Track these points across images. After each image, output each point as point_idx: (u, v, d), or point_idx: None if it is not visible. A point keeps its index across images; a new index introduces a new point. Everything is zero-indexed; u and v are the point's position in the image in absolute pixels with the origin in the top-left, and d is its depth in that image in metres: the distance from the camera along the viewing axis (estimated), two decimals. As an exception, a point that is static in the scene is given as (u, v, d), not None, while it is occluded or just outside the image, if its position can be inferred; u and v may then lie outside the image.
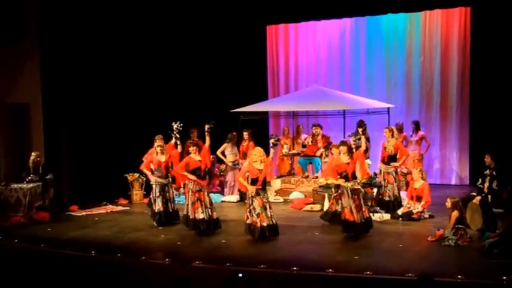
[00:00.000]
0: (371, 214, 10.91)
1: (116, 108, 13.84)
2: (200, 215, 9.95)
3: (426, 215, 10.83)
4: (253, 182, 9.53)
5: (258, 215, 9.44)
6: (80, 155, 13.27)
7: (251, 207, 9.51)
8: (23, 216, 11.29)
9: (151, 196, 11.05)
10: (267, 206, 9.55)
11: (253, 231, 9.49)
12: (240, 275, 6.21)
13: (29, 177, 11.73)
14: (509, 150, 11.79)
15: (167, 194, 11.00)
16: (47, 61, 12.90)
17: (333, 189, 10.60)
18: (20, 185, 11.53)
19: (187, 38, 15.21)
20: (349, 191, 9.56)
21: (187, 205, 10.06)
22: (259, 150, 9.74)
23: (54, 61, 12.90)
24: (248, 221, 9.58)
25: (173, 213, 11.03)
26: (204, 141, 10.75)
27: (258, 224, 9.43)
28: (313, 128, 13.70)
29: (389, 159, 11.51)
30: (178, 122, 11.18)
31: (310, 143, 13.62)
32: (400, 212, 10.90)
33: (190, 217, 9.99)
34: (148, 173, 11.05)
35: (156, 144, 11.08)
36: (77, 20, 13.06)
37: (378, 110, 13.56)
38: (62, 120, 13.07)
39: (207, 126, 10.53)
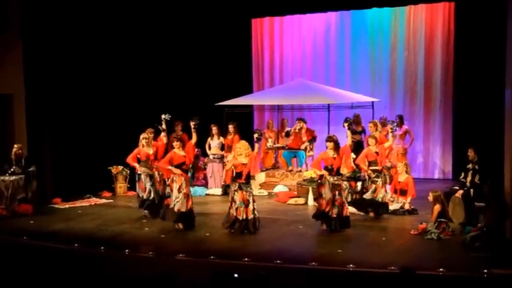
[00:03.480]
0: (354, 208, 11.03)
1: (100, 100, 13.74)
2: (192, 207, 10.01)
3: (406, 206, 10.92)
4: (238, 175, 9.55)
5: (237, 209, 9.50)
6: (64, 147, 13.17)
7: (232, 200, 9.56)
8: (5, 208, 11.20)
9: (145, 187, 10.97)
10: (250, 201, 9.57)
11: (228, 222, 9.60)
12: (236, 275, 6.23)
13: (11, 169, 11.62)
14: (492, 144, 11.88)
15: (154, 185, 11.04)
16: (30, 52, 12.77)
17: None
18: (2, 177, 11.41)
19: (172, 31, 15.11)
20: (330, 183, 9.61)
21: (179, 200, 9.86)
22: (244, 144, 9.76)
23: (37, 52, 12.78)
24: (228, 213, 9.65)
25: (158, 204, 11.06)
26: (188, 135, 10.74)
27: (233, 216, 9.52)
28: (297, 122, 13.75)
29: (373, 152, 11.56)
30: (167, 114, 11.18)
31: (296, 130, 13.63)
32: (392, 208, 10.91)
33: (182, 210, 9.87)
34: (136, 165, 11.00)
35: (141, 136, 11.06)
36: (59, 11, 12.93)
37: (362, 104, 13.62)
38: (45, 111, 12.96)
39: (192, 123, 10.53)
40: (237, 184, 9.53)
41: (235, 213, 9.53)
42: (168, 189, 11.04)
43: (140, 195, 11.04)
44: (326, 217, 9.65)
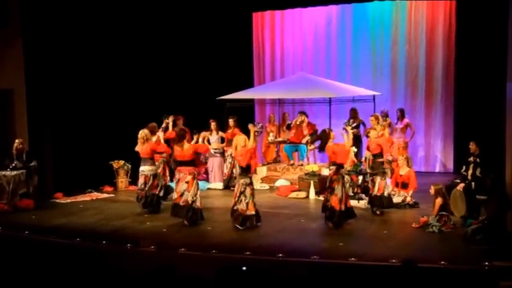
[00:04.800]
0: (356, 201, 11.01)
1: (101, 94, 13.75)
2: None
3: (408, 200, 10.91)
4: (243, 170, 9.59)
5: (248, 203, 9.49)
6: (65, 142, 13.18)
7: (242, 195, 9.51)
8: (6, 203, 11.21)
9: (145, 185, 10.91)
10: (254, 195, 9.61)
11: (238, 219, 9.50)
12: (244, 268, 6.24)
13: (13, 164, 11.63)
14: (493, 137, 11.89)
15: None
16: (30, 46, 12.77)
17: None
18: (3, 172, 11.42)
19: (173, 25, 15.10)
20: (344, 178, 9.63)
21: (195, 196, 9.85)
22: (240, 138, 9.81)
23: (38, 46, 12.78)
24: (235, 207, 9.57)
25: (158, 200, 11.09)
26: (190, 130, 10.83)
27: (246, 213, 9.47)
28: (299, 115, 13.75)
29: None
30: (166, 115, 11.18)
31: (297, 123, 13.64)
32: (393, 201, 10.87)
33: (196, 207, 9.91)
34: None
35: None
36: (60, 6, 12.92)
37: (363, 97, 13.60)
38: (46, 106, 12.96)
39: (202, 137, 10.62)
40: (249, 178, 9.57)
41: (245, 209, 9.47)
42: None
43: (140, 196, 10.93)
44: (336, 215, 9.58)
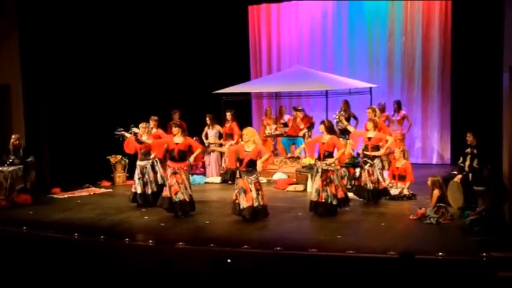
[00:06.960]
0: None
1: (98, 88, 13.71)
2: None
3: (405, 192, 10.94)
4: (239, 162, 9.59)
5: (235, 196, 9.55)
6: (62, 137, 13.15)
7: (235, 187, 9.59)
8: (4, 199, 11.19)
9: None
10: (252, 189, 9.48)
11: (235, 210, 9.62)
12: (229, 260, 6.25)
13: (10, 160, 11.60)
14: (491, 128, 11.88)
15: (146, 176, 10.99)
16: (26, 41, 12.68)
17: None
18: (0, 168, 11.40)
19: (169, 18, 15.03)
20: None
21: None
22: (251, 131, 9.73)
23: (34, 41, 12.69)
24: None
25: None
26: (186, 123, 10.79)
27: (237, 202, 9.56)
28: (294, 112, 13.75)
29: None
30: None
31: (291, 120, 13.71)
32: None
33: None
34: None
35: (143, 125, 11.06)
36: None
37: (360, 90, 13.60)
38: (43, 101, 12.92)
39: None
40: (238, 172, 9.56)
41: (236, 200, 9.55)
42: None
43: (138, 191, 10.92)
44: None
